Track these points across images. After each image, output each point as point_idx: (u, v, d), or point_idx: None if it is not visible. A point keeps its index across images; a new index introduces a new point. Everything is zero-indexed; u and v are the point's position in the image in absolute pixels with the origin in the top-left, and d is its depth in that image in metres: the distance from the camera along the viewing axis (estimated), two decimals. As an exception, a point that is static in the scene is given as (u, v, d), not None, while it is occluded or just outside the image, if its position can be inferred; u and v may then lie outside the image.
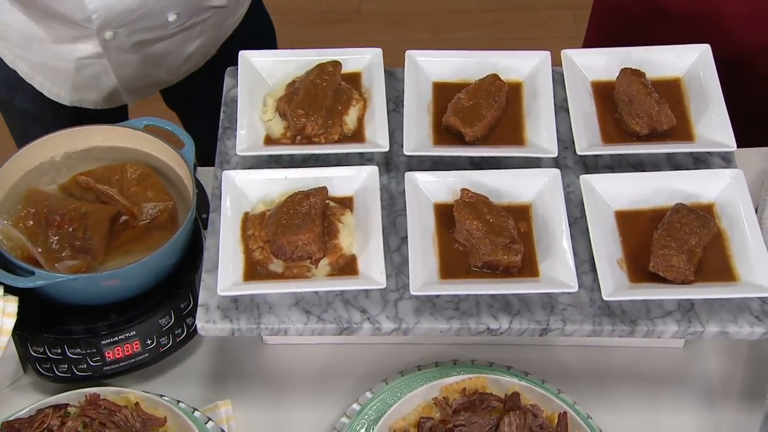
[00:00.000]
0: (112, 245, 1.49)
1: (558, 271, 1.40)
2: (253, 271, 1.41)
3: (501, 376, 1.42)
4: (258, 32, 1.99)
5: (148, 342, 1.46)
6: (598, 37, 2.03)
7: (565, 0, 3.62)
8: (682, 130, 1.55)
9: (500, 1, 3.64)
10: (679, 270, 1.37)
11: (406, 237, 1.44)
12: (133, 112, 1.96)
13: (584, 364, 1.51)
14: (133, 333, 1.45)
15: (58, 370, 1.44)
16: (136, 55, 1.78)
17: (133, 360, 1.46)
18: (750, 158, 1.67)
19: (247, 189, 1.48)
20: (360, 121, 1.54)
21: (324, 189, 1.45)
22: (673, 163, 1.54)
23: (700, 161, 1.54)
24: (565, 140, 1.55)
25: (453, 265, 1.42)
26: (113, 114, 1.92)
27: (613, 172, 1.52)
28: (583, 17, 3.62)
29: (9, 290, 1.42)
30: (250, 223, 1.45)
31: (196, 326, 1.48)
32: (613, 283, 1.38)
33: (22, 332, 1.44)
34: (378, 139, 1.52)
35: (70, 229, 1.47)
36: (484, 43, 3.48)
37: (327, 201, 1.45)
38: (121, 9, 1.65)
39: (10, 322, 1.40)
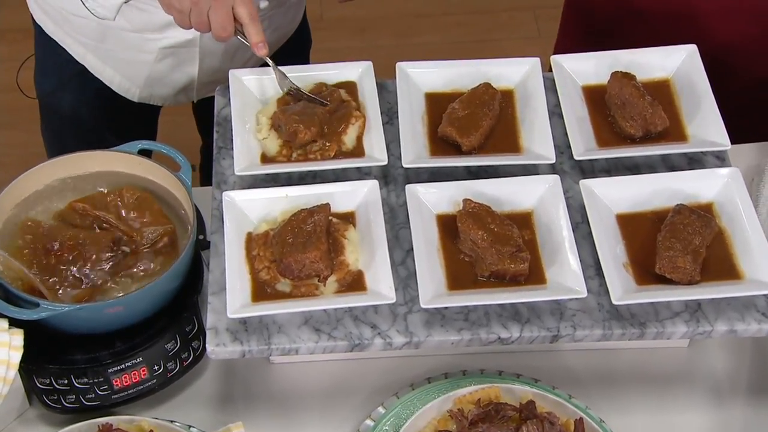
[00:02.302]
0: (114, 271, 1.47)
1: (565, 277, 1.40)
2: (261, 291, 1.40)
3: (513, 384, 1.42)
4: (301, 46, 2.05)
5: (155, 368, 1.45)
6: (569, 38, 2.04)
7: (525, 0, 3.64)
8: (675, 131, 1.56)
9: (460, 5, 3.65)
10: (686, 271, 1.38)
11: (410, 250, 1.44)
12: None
13: (591, 368, 1.52)
14: (139, 359, 1.44)
15: (65, 401, 1.42)
16: (221, 45, 1.78)
17: (141, 387, 1.44)
18: (738, 154, 1.68)
19: (248, 209, 1.47)
20: (359, 138, 1.53)
21: (327, 206, 1.44)
22: (668, 164, 1.55)
23: (694, 161, 1.55)
24: (560, 145, 1.56)
25: (460, 276, 1.42)
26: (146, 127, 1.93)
27: (610, 175, 1.54)
28: (544, 17, 3.67)
29: (13, 323, 1.39)
30: (254, 243, 1.44)
31: (202, 350, 1.48)
32: (621, 287, 1.39)
33: (26, 364, 1.41)
34: (375, 153, 1.52)
35: (70, 258, 1.46)
36: (448, 46, 3.50)
37: (330, 217, 1.45)
38: None
39: (17, 356, 1.38)
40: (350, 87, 1.59)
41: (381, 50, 3.46)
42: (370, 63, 1.61)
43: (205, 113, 2.00)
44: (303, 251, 1.39)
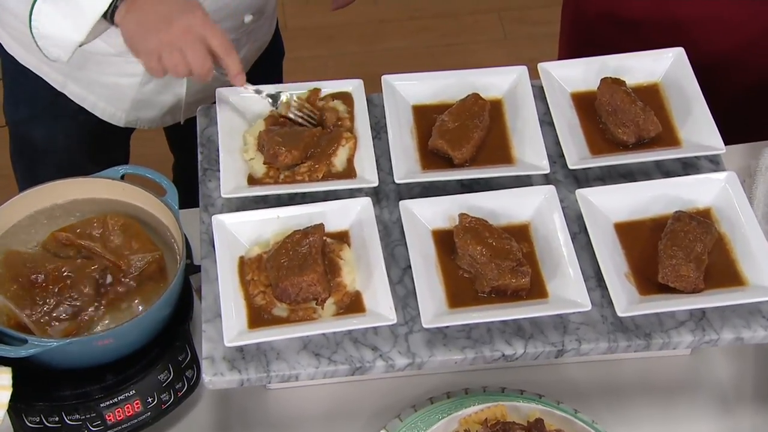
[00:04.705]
0: (101, 302, 1.42)
1: (568, 290, 1.37)
2: (258, 317, 1.36)
3: (518, 402, 1.39)
4: (275, 56, 2.01)
5: (149, 400, 1.40)
6: (571, 54, 2.02)
7: (489, 3, 3.62)
8: (667, 136, 1.54)
9: (424, 9, 3.62)
10: (689, 279, 1.36)
11: (407, 268, 1.41)
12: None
13: (594, 380, 1.50)
14: (132, 392, 1.39)
15: (57, 440, 1.38)
16: None
17: (135, 420, 1.40)
18: (727, 156, 1.66)
19: (239, 232, 1.43)
20: (349, 160, 1.49)
21: (321, 226, 1.40)
22: (662, 169, 1.53)
23: (689, 166, 1.53)
24: (552, 155, 1.53)
25: (460, 293, 1.39)
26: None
27: (604, 183, 1.51)
28: (508, 19, 3.66)
29: (0, 360, 1.34)
30: (247, 267, 1.40)
31: (196, 379, 1.44)
32: (625, 298, 1.36)
33: (15, 403, 1.36)
34: (366, 174, 1.48)
35: (56, 290, 1.40)
36: (415, 51, 3.47)
37: (324, 238, 1.41)
38: (217, 6, 1.62)
39: (5, 396, 1.32)
40: (346, 98, 1.56)
41: (348, 57, 3.42)
42: (360, 81, 1.57)
43: (177, 130, 1.96)
44: (299, 274, 1.35)
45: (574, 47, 2.00)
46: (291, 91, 1.55)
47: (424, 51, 3.47)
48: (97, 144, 1.90)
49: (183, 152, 2.18)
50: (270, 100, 1.53)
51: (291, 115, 1.52)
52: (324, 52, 3.47)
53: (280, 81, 2.10)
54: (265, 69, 1.96)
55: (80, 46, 1.48)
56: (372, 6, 3.60)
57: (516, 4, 3.61)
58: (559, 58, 2.02)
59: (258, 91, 1.52)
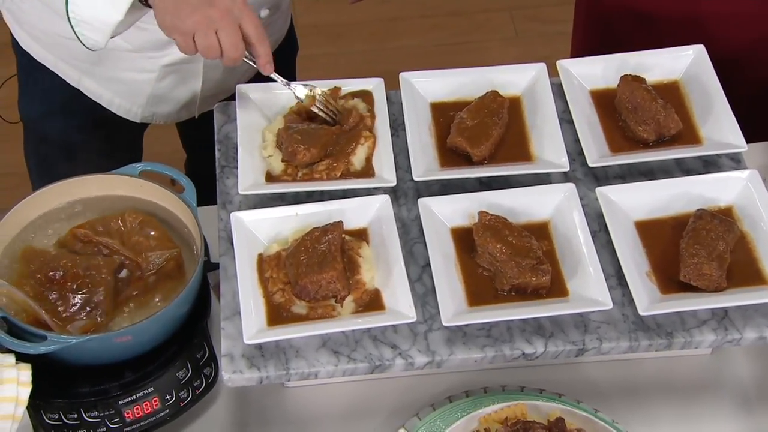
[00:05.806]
0: (120, 299, 1.41)
1: (588, 289, 1.37)
2: (277, 315, 1.35)
3: (537, 401, 1.38)
4: (290, 51, 2.00)
5: (167, 397, 1.39)
6: (584, 49, 2.01)
7: (501, 1, 3.61)
8: (688, 134, 1.54)
9: (436, 7, 3.61)
10: (711, 278, 1.35)
11: (426, 265, 1.41)
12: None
13: (614, 379, 1.49)
14: (151, 389, 1.38)
15: (75, 437, 1.37)
16: None
17: (154, 417, 1.39)
18: (749, 154, 1.65)
19: (257, 229, 1.42)
20: (368, 159, 1.48)
21: (340, 223, 1.40)
22: (683, 167, 1.52)
23: (709, 164, 1.53)
24: (571, 152, 1.52)
25: (479, 291, 1.39)
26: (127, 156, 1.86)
27: (624, 181, 1.50)
28: (520, 17, 3.65)
29: (20, 357, 1.34)
30: (266, 264, 1.39)
31: (214, 377, 1.44)
32: (647, 297, 1.35)
33: (34, 400, 1.35)
34: (384, 173, 1.47)
35: (74, 287, 1.40)
36: (426, 49, 3.46)
37: (343, 235, 1.40)
38: None
39: (25, 392, 1.32)
40: (367, 96, 1.55)
41: (356, 56, 3.41)
42: (381, 80, 1.56)
43: (190, 127, 1.95)
44: (319, 272, 1.34)
45: (587, 44, 1.99)
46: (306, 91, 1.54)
47: (436, 49, 3.46)
48: (111, 140, 1.89)
49: (196, 149, 2.18)
50: (296, 93, 1.52)
51: (315, 110, 1.51)
52: (334, 50, 3.46)
53: (293, 77, 2.09)
54: (279, 65, 1.95)
55: (115, 34, 1.46)
56: (382, 4, 3.59)
57: (528, 3, 3.60)
58: (572, 56, 2.02)
59: (286, 83, 1.51)
